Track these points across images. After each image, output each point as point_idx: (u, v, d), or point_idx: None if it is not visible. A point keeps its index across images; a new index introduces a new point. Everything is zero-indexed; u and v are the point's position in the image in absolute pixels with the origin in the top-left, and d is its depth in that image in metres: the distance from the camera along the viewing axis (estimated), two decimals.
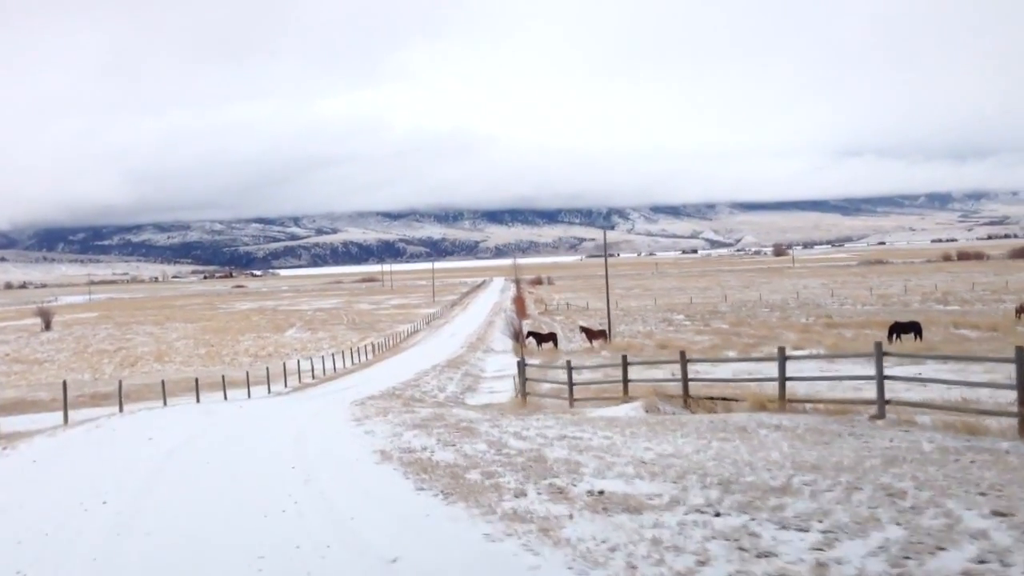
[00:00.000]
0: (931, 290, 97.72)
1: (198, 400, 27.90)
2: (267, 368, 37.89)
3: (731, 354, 43.15)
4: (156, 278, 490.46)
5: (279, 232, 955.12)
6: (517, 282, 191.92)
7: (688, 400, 15.25)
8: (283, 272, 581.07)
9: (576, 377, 20.80)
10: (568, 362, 18.71)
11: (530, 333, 56.60)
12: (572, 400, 18.36)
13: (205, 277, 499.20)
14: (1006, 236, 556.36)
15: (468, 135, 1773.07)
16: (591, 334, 55.54)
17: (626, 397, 16.51)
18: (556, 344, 54.46)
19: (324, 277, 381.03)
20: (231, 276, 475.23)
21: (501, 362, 49.57)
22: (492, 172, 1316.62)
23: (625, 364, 18.50)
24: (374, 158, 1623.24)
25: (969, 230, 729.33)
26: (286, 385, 38.28)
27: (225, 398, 30.17)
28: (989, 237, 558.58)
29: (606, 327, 58.21)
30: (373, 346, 60.85)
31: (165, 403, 26.58)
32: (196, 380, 29.14)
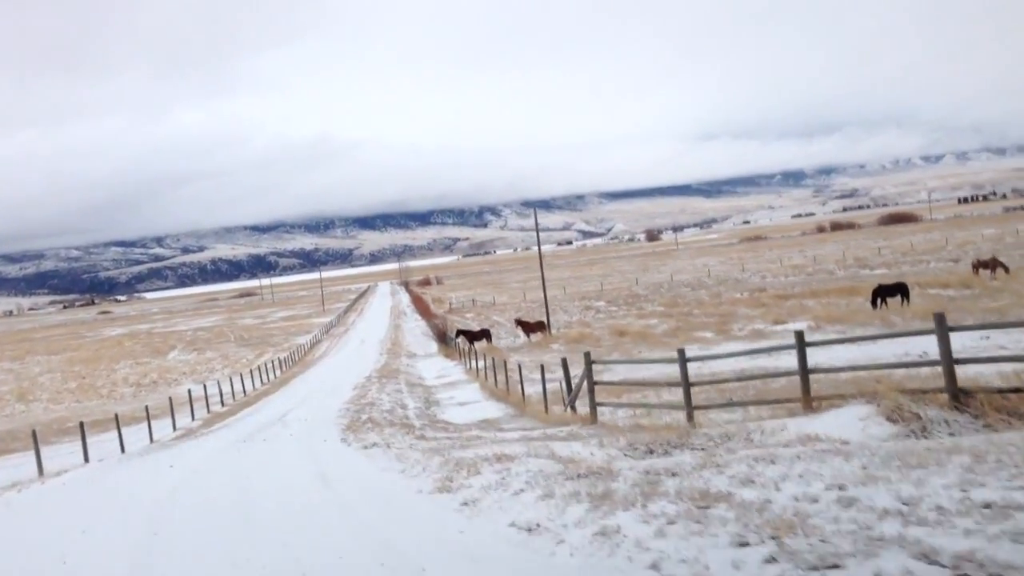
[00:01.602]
0: (839, 258, 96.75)
1: (86, 455, 20.19)
2: (169, 398, 30.30)
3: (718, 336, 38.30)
4: (11, 311, 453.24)
5: (141, 254, 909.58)
6: (406, 284, 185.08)
7: (961, 399, 9.12)
8: (149, 295, 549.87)
9: (644, 374, 14.95)
10: (681, 352, 12.29)
11: (460, 331, 50.43)
12: (691, 410, 12.12)
13: (65, 307, 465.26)
14: (859, 207, 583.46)
15: (333, 141, 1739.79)
16: (528, 327, 49.91)
17: (810, 401, 10.62)
18: (490, 340, 48.55)
19: (196, 296, 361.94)
20: (93, 303, 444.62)
21: (436, 367, 43.40)
22: (361, 177, 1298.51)
23: (803, 343, 11.28)
24: (237, 171, 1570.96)
25: (823, 204, 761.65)
26: (193, 418, 30.88)
27: (123, 449, 22.82)
28: (844, 209, 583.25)
29: (543, 319, 52.63)
30: (279, 362, 53.30)
31: (39, 462, 19.01)
32: (81, 425, 21.49)
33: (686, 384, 12.37)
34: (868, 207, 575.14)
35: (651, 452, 9.60)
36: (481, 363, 37.76)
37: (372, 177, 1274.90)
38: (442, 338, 54.51)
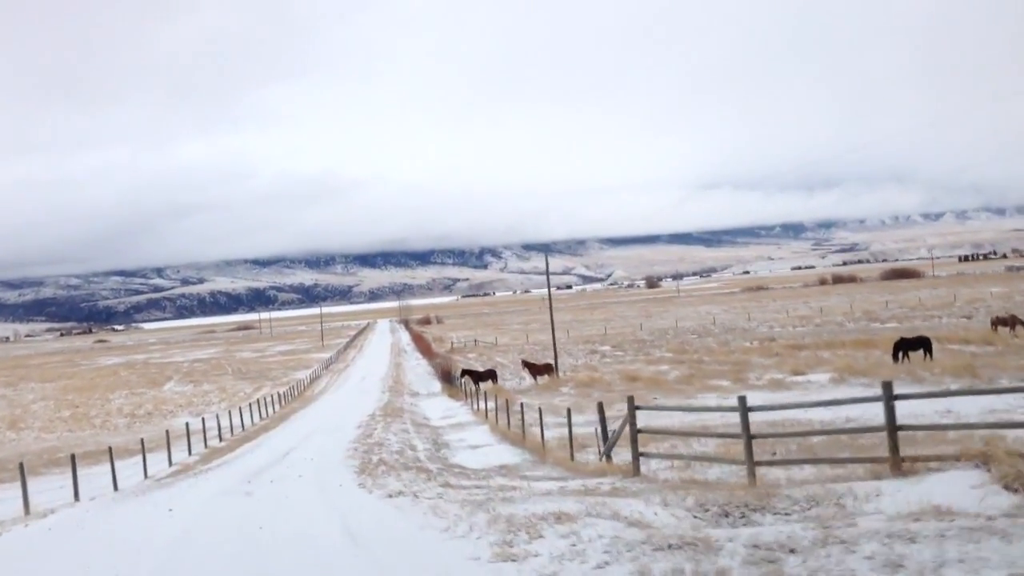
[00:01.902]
0: (846, 310, 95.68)
1: (76, 492, 18.66)
2: (166, 432, 28.89)
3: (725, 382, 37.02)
4: (8, 337, 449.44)
5: (141, 284, 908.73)
6: (406, 322, 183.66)
7: None
8: (147, 326, 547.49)
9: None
10: (743, 399, 10.67)
11: (465, 371, 49.12)
12: (753, 466, 10.72)
13: (62, 334, 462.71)
14: (859, 262, 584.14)
15: (336, 178, 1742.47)
16: (535, 369, 48.66)
17: (900, 461, 9.32)
18: (495, 382, 47.19)
19: (193, 328, 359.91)
20: (91, 332, 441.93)
21: (441, 407, 42.10)
22: (362, 215, 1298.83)
23: (891, 395, 9.97)
24: (239, 204, 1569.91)
25: (823, 257, 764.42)
26: (190, 452, 29.47)
27: (115, 485, 21.45)
28: (844, 263, 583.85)
29: (550, 362, 51.38)
30: (279, 396, 51.89)
31: (26, 499, 17.61)
32: (72, 459, 20.04)
33: (748, 436, 11.08)
34: (868, 262, 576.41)
35: (726, 515, 8.39)
36: (488, 404, 36.52)
37: (373, 215, 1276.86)
38: (446, 378, 53.17)
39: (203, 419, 34.16)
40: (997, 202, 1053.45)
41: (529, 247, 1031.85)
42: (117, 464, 23.96)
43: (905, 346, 37.47)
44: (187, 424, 31.87)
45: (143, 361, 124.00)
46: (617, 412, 29.31)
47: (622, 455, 15.09)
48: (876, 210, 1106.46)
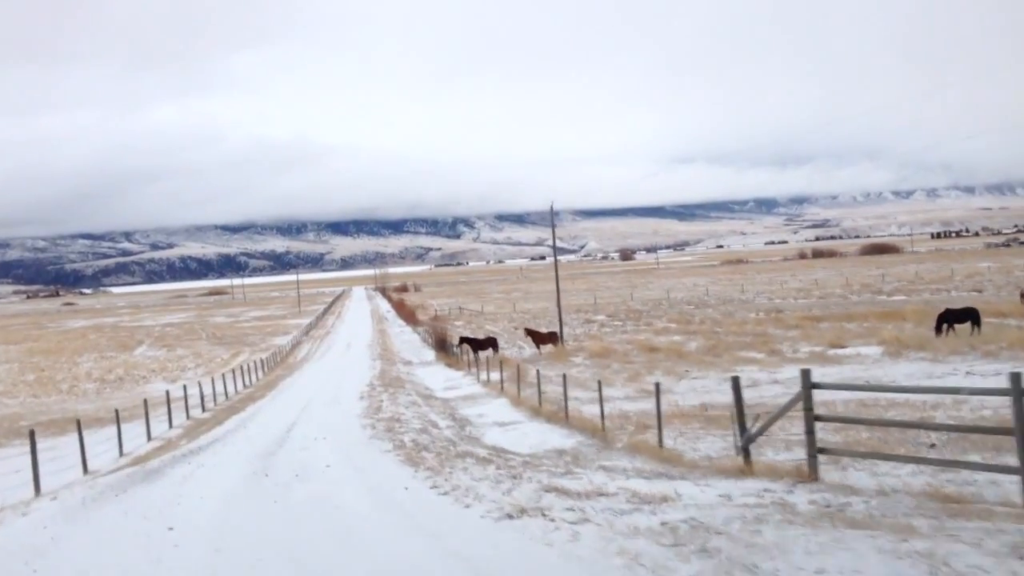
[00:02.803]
0: (842, 283, 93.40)
1: (36, 484, 14.63)
2: (144, 401, 25.20)
3: (755, 356, 34.00)
4: None
5: (109, 248, 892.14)
6: (383, 289, 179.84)
7: None
8: (116, 290, 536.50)
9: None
10: (1016, 376, 7.24)
11: (464, 339, 45.80)
12: None
13: (28, 297, 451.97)
14: (831, 237, 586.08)
15: (309, 145, 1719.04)
16: (539, 338, 45.45)
17: None
18: (496, 351, 43.90)
19: (164, 293, 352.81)
20: (58, 295, 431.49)
21: (440, 376, 38.87)
22: (335, 182, 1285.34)
23: None
24: (210, 169, 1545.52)
25: (795, 232, 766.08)
26: (171, 424, 25.96)
27: (85, 467, 17.94)
28: (817, 239, 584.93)
29: (554, 330, 48.21)
30: (261, 363, 48.32)
31: None
32: (32, 436, 16.35)
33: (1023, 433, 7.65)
34: (840, 237, 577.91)
35: None
36: (496, 375, 33.35)
37: (346, 183, 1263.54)
38: (441, 346, 49.83)
39: (184, 387, 30.53)
40: (966, 181, 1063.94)
41: (502, 217, 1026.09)
42: (87, 436, 20.46)
43: (951, 318, 34.62)
44: (167, 393, 28.29)
45: (112, 324, 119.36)
46: (646, 385, 25.74)
47: (762, 449, 11.81)
48: (848, 187, 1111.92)
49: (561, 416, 20.60)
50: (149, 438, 23.06)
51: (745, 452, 10.47)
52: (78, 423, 19.19)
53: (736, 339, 40.72)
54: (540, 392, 23.31)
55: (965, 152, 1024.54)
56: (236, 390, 37.32)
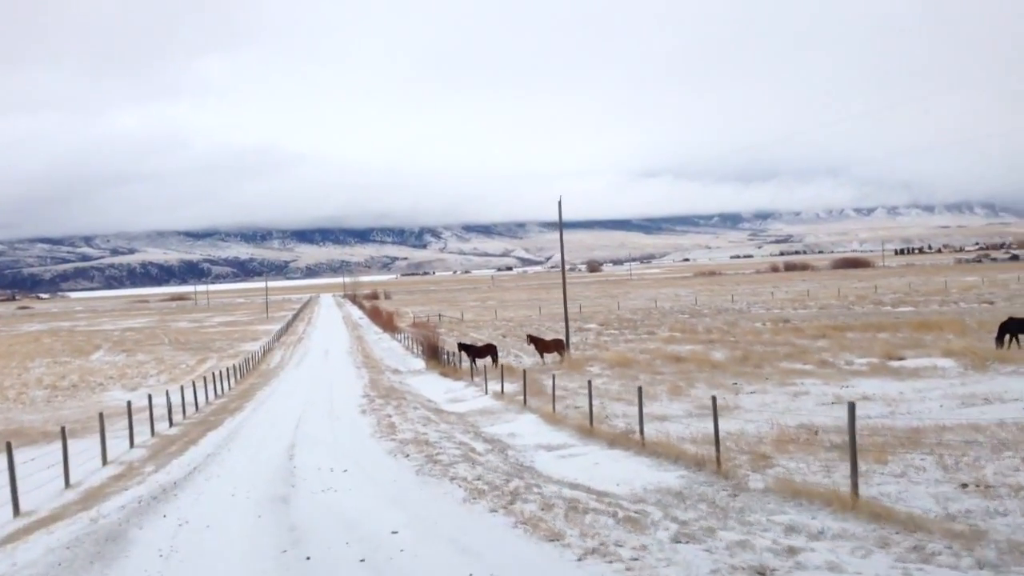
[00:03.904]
0: (835, 295, 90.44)
1: None
2: (100, 415, 20.57)
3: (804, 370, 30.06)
4: None
5: (68, 252, 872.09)
6: (354, 297, 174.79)
7: None
8: (74, 294, 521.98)
9: None
10: None
11: (462, 346, 41.52)
12: None
13: None
14: (795, 252, 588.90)
15: (275, 152, 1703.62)
16: (543, 346, 41.34)
17: None
18: (496, 359, 39.68)
19: (124, 298, 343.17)
20: (14, 299, 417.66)
21: (438, 387, 34.75)
22: (301, 190, 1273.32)
23: None
24: (173, 175, 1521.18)
25: (759, 247, 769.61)
26: (132, 443, 21.40)
27: (16, 508, 13.56)
28: (781, 253, 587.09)
29: (559, 338, 44.12)
30: (233, 370, 43.60)
31: None
32: None
33: None
34: (804, 252, 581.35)
35: None
36: (509, 386, 29.23)
37: (313, 191, 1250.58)
38: (433, 353, 45.49)
39: (149, 396, 25.89)
40: (926, 199, 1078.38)
41: (469, 228, 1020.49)
42: (29, 453, 16.04)
43: (1014, 328, 31.13)
44: (128, 402, 23.63)
45: (69, 328, 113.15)
46: (696, 399, 21.99)
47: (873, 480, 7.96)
48: (811, 203, 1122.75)
49: (628, 439, 16.50)
50: (105, 461, 18.60)
51: None
52: (8, 445, 14.53)
53: (764, 349, 36.96)
54: (592, 406, 19.12)
55: (925, 172, 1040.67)
56: (207, 400, 32.75)
